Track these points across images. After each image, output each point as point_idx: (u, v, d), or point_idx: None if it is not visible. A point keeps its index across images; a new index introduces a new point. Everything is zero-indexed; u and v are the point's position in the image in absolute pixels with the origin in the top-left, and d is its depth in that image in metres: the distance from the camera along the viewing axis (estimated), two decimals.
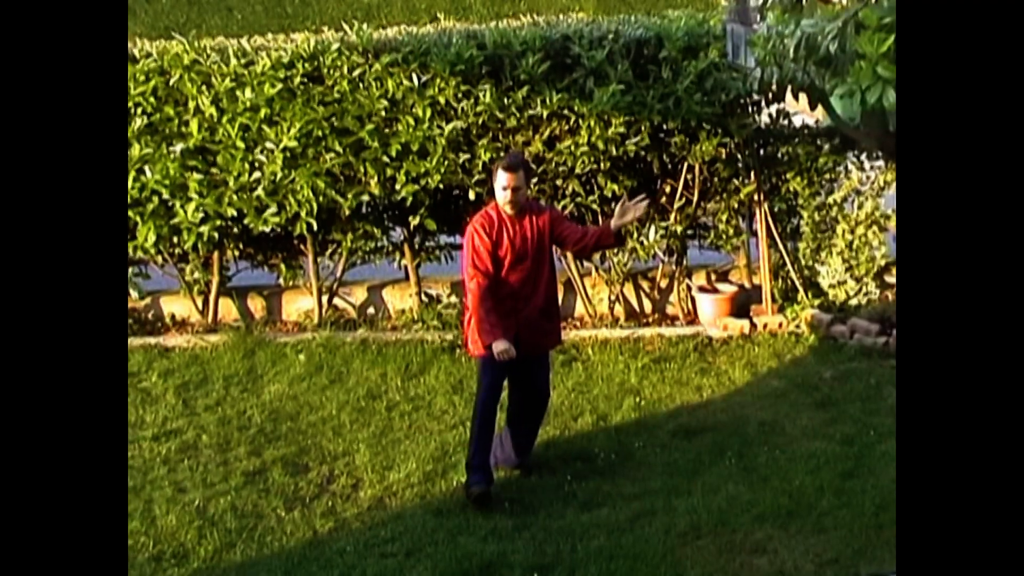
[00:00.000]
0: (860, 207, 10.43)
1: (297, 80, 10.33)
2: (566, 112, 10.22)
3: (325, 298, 11.27)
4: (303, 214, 10.45)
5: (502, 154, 10.23)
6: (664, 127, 10.37)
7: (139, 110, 10.57)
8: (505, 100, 10.19)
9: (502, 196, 7.52)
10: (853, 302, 10.36)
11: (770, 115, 10.81)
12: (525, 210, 7.62)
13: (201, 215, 10.53)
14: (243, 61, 10.45)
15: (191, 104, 10.53)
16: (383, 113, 10.28)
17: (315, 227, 10.58)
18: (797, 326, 10.30)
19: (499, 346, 7.33)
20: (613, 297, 11.04)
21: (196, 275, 11.31)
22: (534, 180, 10.28)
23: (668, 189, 10.82)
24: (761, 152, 10.83)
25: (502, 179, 7.50)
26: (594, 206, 10.54)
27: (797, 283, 10.63)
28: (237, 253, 11.32)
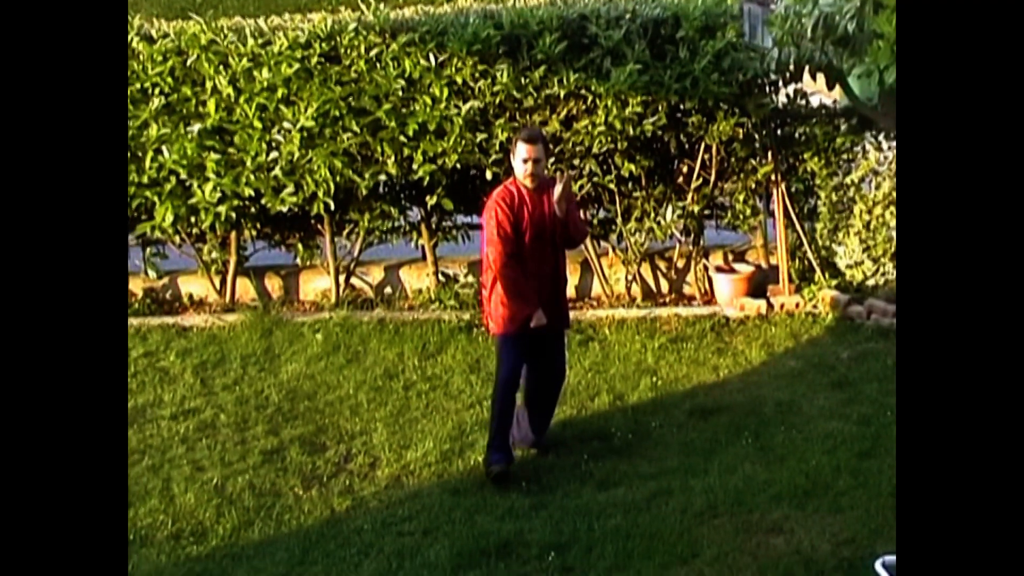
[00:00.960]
0: (878, 187, 10.39)
1: (314, 60, 10.33)
2: (583, 92, 10.21)
3: (342, 278, 11.29)
4: (320, 194, 10.46)
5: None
6: (681, 107, 10.34)
7: (156, 90, 10.59)
8: (522, 80, 10.18)
9: (522, 169, 7.50)
10: (870, 282, 10.32)
11: (787, 95, 10.78)
12: (544, 185, 7.61)
13: (218, 195, 10.56)
14: (260, 41, 10.46)
15: (208, 84, 10.55)
16: (400, 93, 10.28)
17: (332, 207, 10.60)
18: (814, 306, 10.28)
19: (536, 319, 7.43)
20: (630, 277, 11.03)
21: (214, 255, 11.35)
22: (551, 160, 10.26)
23: (685, 169, 10.81)
24: (778, 132, 10.81)
25: (522, 151, 7.48)
26: (611, 186, 10.54)
27: (814, 263, 10.61)
28: (254, 233, 11.35)
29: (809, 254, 10.67)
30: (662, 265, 11.22)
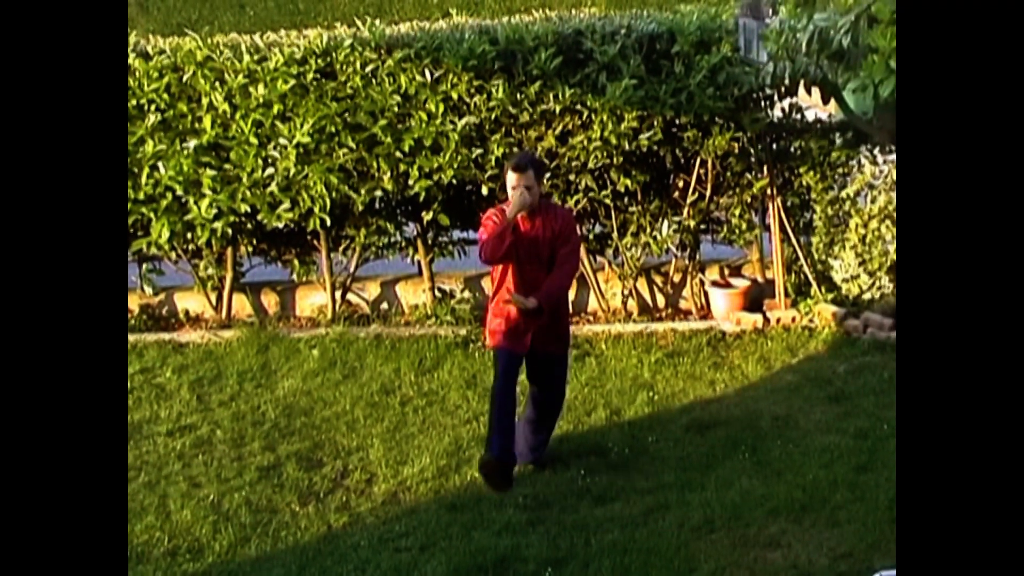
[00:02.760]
0: (873, 201, 10.41)
1: (310, 76, 10.34)
2: (579, 107, 10.22)
3: (339, 294, 11.28)
4: (316, 210, 10.46)
5: (515, 149, 10.24)
6: (677, 122, 10.36)
7: (152, 107, 10.60)
8: (518, 95, 10.20)
9: (512, 196, 7.49)
10: (866, 296, 10.33)
11: (783, 109, 10.80)
12: (539, 211, 7.59)
13: (215, 211, 10.55)
14: (256, 57, 10.47)
15: (204, 100, 10.55)
16: (396, 109, 10.30)
17: (328, 223, 10.61)
18: (811, 320, 10.29)
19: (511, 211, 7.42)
20: (626, 292, 11.04)
21: (210, 271, 11.34)
22: (547, 175, 10.28)
23: (681, 184, 10.82)
24: (774, 146, 10.82)
25: (511, 179, 7.48)
26: (607, 201, 10.55)
27: (810, 277, 10.61)
28: (251, 249, 11.34)
29: (805, 268, 10.67)
30: (658, 280, 11.22)
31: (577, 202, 10.45)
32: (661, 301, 11.22)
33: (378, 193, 10.57)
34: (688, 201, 10.72)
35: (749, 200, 10.80)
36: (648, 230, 10.72)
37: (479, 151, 10.32)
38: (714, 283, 10.96)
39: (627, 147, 10.20)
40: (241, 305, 11.48)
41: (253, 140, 10.44)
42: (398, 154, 10.33)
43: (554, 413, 7.98)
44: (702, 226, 10.98)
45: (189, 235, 10.84)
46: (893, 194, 10.37)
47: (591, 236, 11.06)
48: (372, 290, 11.47)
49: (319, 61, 10.36)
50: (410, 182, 10.39)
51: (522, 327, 7.56)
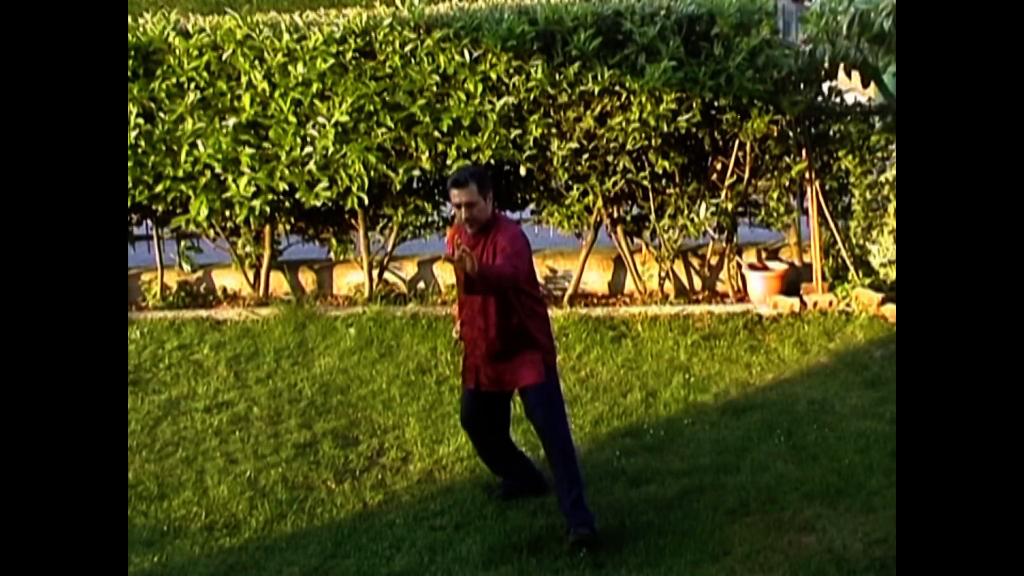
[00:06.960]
0: None
1: (349, 55, 10.36)
2: (617, 88, 10.18)
3: (376, 272, 11.31)
4: (354, 188, 10.49)
5: (554, 130, 10.23)
6: (715, 104, 10.31)
7: (192, 85, 10.65)
8: (556, 76, 10.17)
9: (457, 214, 6.80)
10: None
11: (822, 92, 10.73)
12: (487, 229, 6.71)
13: (253, 189, 10.60)
14: (295, 36, 10.49)
15: (244, 79, 10.59)
16: (435, 88, 10.30)
17: (366, 202, 10.62)
18: (848, 305, 10.24)
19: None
20: (663, 274, 11.02)
21: (248, 249, 11.39)
22: (584, 156, 10.26)
23: (719, 166, 10.78)
24: (813, 130, 10.76)
25: (452, 196, 6.74)
26: (645, 182, 10.51)
27: (848, 262, 10.56)
28: (288, 227, 11.39)
29: (843, 252, 10.62)
30: (695, 262, 11.19)
31: (615, 183, 10.43)
32: (698, 283, 11.19)
33: (416, 172, 10.59)
34: (726, 183, 10.68)
35: (787, 183, 10.75)
36: (686, 212, 10.68)
37: (517, 131, 10.31)
38: (751, 266, 10.93)
39: (665, 129, 10.16)
40: (278, 283, 11.53)
41: (292, 119, 10.48)
42: (436, 134, 10.34)
43: (550, 447, 6.89)
44: (740, 209, 10.92)
45: (227, 213, 10.90)
46: None
47: (628, 218, 11.05)
48: (409, 269, 11.49)
49: (358, 40, 10.37)
50: (448, 162, 10.39)
51: (471, 361, 6.94)
